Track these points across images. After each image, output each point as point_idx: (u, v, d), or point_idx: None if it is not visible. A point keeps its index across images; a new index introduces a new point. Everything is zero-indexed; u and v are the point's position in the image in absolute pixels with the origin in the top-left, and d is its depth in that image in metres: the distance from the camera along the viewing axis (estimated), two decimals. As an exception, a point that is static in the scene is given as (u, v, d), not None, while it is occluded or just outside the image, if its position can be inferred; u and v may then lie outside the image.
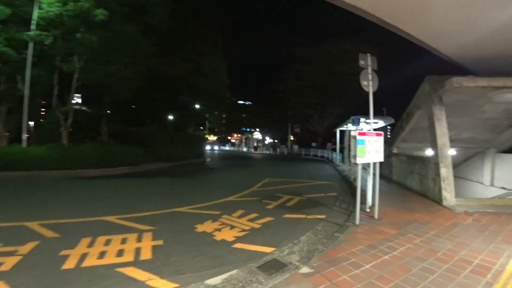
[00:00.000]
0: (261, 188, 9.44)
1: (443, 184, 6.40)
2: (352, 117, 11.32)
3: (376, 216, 5.42)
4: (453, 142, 8.18)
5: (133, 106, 22.70)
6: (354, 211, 5.77)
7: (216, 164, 21.25)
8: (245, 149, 50.73)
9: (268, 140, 54.78)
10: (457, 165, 12.06)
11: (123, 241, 4.03)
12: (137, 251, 3.68)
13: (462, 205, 6.20)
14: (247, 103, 56.58)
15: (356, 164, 4.97)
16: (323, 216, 5.69)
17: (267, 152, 43.23)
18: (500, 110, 8.68)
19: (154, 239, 4.18)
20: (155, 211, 5.89)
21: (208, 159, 24.78)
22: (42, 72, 13.32)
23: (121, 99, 17.50)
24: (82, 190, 8.62)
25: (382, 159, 5.42)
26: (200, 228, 4.79)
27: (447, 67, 10.27)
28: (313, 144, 37.88)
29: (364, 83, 6.08)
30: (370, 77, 6.04)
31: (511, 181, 9.91)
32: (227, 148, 54.39)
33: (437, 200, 6.59)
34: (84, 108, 21.90)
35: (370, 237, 4.34)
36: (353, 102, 31.00)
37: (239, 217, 5.54)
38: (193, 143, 22.73)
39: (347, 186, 9.49)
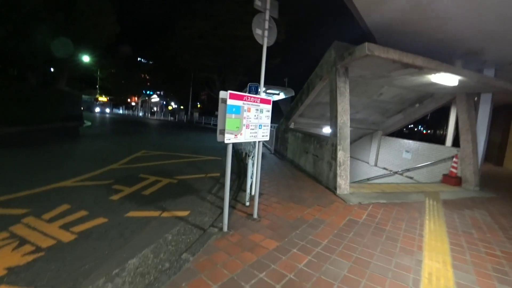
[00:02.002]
0: (125, 166, 6.92)
1: (338, 170, 5.35)
2: (249, 84, 9.61)
3: (255, 214, 3.81)
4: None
5: None
6: (229, 204, 4.15)
7: (93, 131, 16.84)
8: (140, 114, 44.93)
9: (173, 105, 49.96)
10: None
11: None
12: None
13: (355, 194, 5.31)
14: (150, 62, 48.81)
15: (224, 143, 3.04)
16: (185, 213, 4.01)
17: (164, 118, 39.22)
18: (394, 94, 8.45)
19: None
20: None
21: (88, 124, 19.69)
22: None
23: None
24: None
25: (267, 138, 3.73)
26: None
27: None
28: (216, 113, 35.89)
29: (257, 31, 4.21)
30: (266, 25, 4.16)
31: (392, 163, 10.35)
32: (120, 111, 46.78)
33: (331, 187, 5.57)
34: None
35: (235, 261, 2.65)
36: (256, 70, 29.96)
37: (53, 219, 3.56)
38: (59, 102, 17.19)
39: (237, 164, 7.92)
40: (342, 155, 5.43)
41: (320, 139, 6.55)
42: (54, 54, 17.80)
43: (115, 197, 4.54)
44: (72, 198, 4.34)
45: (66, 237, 3.10)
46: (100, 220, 3.59)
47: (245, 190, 4.72)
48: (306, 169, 7.31)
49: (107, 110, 43.63)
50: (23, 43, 15.51)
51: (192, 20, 28.72)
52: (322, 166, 6.19)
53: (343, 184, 5.35)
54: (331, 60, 6.20)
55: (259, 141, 3.78)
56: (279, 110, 19.84)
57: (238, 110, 3.09)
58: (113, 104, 47.27)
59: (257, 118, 3.45)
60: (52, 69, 20.70)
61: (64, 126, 16.21)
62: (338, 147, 5.44)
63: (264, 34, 4.20)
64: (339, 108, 5.63)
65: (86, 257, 2.73)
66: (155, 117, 42.00)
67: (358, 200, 4.93)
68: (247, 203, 4.31)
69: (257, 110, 3.43)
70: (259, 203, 4.14)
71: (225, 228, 3.30)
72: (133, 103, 54.28)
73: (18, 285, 2.26)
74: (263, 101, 3.54)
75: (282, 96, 13.37)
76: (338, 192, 5.30)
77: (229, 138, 3.02)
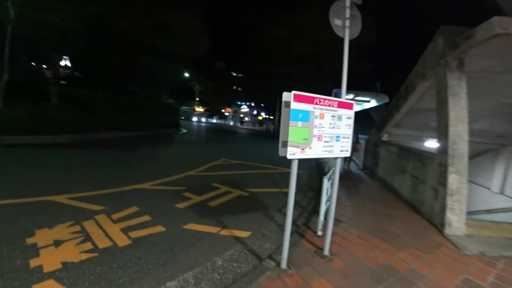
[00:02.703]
0: (202, 173, 7.09)
1: (449, 200, 3.92)
2: (334, 90, 8.63)
3: (326, 249, 2.99)
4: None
5: (86, 66, 19.46)
6: (297, 230, 3.61)
7: (185, 137, 18.72)
8: (231, 123, 48.22)
9: (264, 115, 51.95)
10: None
11: None
12: None
13: (474, 238, 3.77)
14: (240, 75, 52.55)
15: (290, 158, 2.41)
16: (246, 234, 3.54)
17: (252, 128, 40.79)
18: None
19: None
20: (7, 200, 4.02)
21: (184, 131, 22.21)
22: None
23: (68, 56, 14.91)
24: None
25: (347, 153, 2.89)
26: (36, 237, 3.02)
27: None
28: None
29: (336, 22, 3.46)
30: (347, 13, 3.38)
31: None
32: (214, 121, 51.45)
33: (436, 223, 4.16)
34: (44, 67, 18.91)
35: None
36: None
37: (120, 219, 3.71)
38: (162, 112, 19.98)
39: (318, 177, 7.07)
40: (456, 180, 3.97)
41: (422, 156, 5.10)
42: (157, 72, 20.86)
43: (181, 204, 4.48)
44: (143, 201, 4.51)
45: (123, 241, 3.08)
46: (158, 229, 3.49)
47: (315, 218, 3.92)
48: (401, 192, 5.87)
49: (203, 119, 48.77)
50: (133, 65, 18.63)
51: (275, 29, 29.08)
52: (424, 192, 4.76)
53: (456, 221, 3.87)
54: (437, 51, 4.77)
55: (336, 158, 2.97)
56: (371, 119, 17.79)
57: (306, 116, 2.42)
58: (208, 114, 52.52)
59: (333, 127, 2.69)
60: (155, 84, 24.24)
61: (164, 132, 18.67)
62: (450, 169, 4.01)
63: (345, 24, 3.40)
64: (451, 114, 4.20)
65: (130, 267, 2.59)
66: (244, 126, 44.46)
67: (479, 249, 3.42)
68: (319, 233, 3.50)
69: (333, 117, 2.67)
70: (333, 234, 3.29)
71: (284, 265, 2.62)
72: (226, 113, 59.15)
73: (63, 284, 2.25)
74: (342, 105, 2.75)
75: (373, 103, 11.67)
76: (447, 231, 3.86)
77: (293, 153, 2.37)
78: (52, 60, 16.11)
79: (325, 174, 3.64)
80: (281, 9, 28.95)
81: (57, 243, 2.89)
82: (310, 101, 2.45)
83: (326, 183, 3.43)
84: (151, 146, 11.94)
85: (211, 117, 52.29)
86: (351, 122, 2.86)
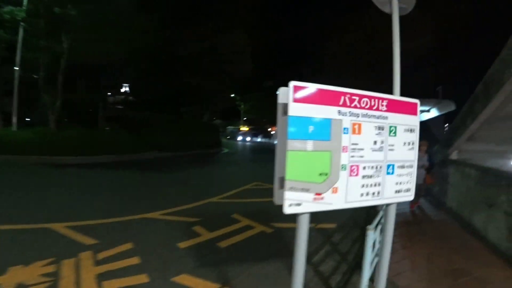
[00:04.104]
0: (226, 200, 6.33)
1: None
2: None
3: None
4: None
5: (137, 89, 20.91)
6: None
7: (224, 157, 18.43)
8: (275, 142, 47.60)
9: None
10: None
11: None
12: None
13: None
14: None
15: (294, 213, 1.36)
16: None
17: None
18: None
19: None
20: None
21: (225, 151, 22.06)
22: (31, 53, 11.91)
23: (119, 82, 16.25)
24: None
25: (410, 195, 1.72)
26: (4, 276, 2.68)
27: None
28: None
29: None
30: None
31: None
32: (258, 139, 51.24)
33: None
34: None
35: None
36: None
37: (104, 261, 3.10)
38: (204, 132, 20.16)
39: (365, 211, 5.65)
40: None
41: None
42: (205, 93, 21.38)
43: (184, 243, 3.66)
44: (144, 235, 3.93)
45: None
46: (140, 279, 2.72)
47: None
48: (487, 235, 4.14)
49: (248, 138, 48.91)
50: (182, 86, 19.35)
51: (338, 36, 27.44)
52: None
53: None
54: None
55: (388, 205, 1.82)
56: (428, 133, 15.29)
57: (324, 129, 1.38)
58: (253, 133, 52.64)
59: (381, 148, 1.59)
60: (204, 105, 24.91)
61: (205, 152, 18.67)
62: None
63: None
64: None
65: None
66: (288, 145, 43.39)
67: None
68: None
69: (380, 129, 1.58)
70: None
71: None
72: (272, 132, 58.82)
73: None
74: (397, 106, 1.64)
75: (434, 113, 9.61)
76: None
77: (297, 202, 1.33)
78: (113, 87, 17.65)
79: (370, 220, 2.43)
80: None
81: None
82: (331, 100, 1.41)
83: (372, 236, 2.22)
84: (186, 167, 11.69)
85: (256, 136, 52.23)
86: (414, 137, 1.72)
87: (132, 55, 13.97)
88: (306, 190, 1.33)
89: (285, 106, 1.31)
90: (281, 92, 1.36)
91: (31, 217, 4.34)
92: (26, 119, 15.44)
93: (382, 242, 1.98)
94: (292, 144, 1.28)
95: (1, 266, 2.75)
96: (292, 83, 1.29)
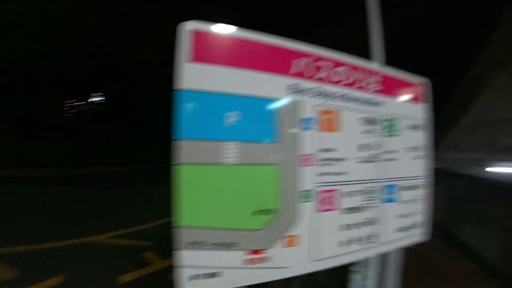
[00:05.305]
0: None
1: None
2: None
3: None
4: None
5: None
6: None
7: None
8: None
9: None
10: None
11: None
12: None
13: None
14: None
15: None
16: None
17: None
18: None
19: None
20: None
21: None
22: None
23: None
24: None
25: (424, 232, 1.04)
26: None
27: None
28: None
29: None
30: None
31: None
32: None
33: None
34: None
35: None
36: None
37: None
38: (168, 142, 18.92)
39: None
40: None
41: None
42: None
43: (128, 276, 2.88)
44: (80, 265, 3.14)
45: None
46: None
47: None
48: (479, 252, 3.63)
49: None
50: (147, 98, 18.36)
51: None
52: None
53: None
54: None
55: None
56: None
57: (263, 119, 0.68)
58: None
59: (374, 157, 0.91)
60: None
61: (167, 165, 17.48)
62: None
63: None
64: None
65: None
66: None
67: None
68: None
69: (368, 123, 0.91)
70: None
71: None
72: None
73: None
74: (394, 87, 0.99)
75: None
76: None
77: (211, 270, 0.62)
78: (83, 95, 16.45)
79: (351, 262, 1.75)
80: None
81: None
82: (275, 62, 0.71)
83: (359, 280, 1.53)
84: (142, 183, 10.55)
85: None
86: (423, 139, 1.08)
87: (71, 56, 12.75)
88: (228, 245, 0.63)
89: (181, 80, 0.60)
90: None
91: None
92: None
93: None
94: (188, 149, 0.57)
95: None
96: (190, 25, 0.60)
